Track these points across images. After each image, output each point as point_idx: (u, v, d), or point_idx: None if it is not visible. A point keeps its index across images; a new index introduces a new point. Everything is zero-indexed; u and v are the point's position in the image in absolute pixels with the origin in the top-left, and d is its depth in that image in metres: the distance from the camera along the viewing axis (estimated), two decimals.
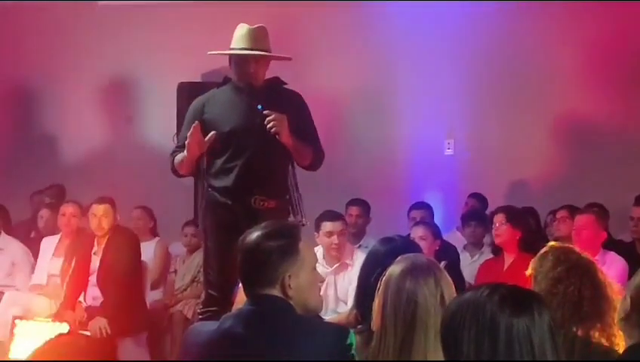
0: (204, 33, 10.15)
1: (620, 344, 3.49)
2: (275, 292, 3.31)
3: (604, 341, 3.55)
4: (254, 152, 5.60)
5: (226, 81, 5.82)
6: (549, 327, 2.33)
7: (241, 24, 5.78)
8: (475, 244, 8.08)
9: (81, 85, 11.04)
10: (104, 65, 10.85)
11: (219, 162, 5.65)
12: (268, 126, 5.49)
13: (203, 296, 5.84)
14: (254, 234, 3.42)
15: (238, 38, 5.70)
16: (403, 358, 2.92)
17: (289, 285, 3.30)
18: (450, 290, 3.01)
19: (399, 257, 3.22)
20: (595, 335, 3.60)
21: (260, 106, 5.57)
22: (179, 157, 5.70)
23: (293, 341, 3.21)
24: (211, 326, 3.61)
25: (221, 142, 5.58)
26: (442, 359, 2.88)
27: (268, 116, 5.49)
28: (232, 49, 5.73)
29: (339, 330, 3.45)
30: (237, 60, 5.71)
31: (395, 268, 3.08)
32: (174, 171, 5.84)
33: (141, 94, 10.83)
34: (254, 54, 5.66)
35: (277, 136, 5.51)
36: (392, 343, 2.95)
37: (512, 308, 2.34)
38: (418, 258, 3.22)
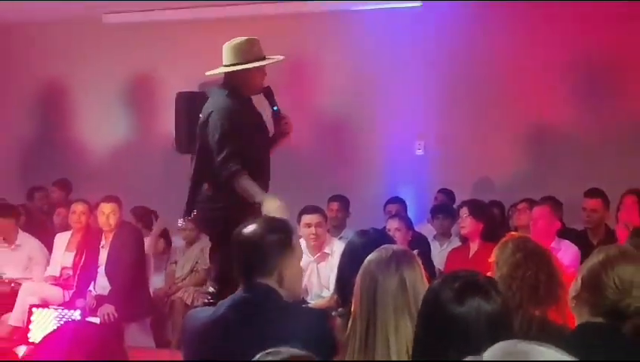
0: (200, 47, 10.18)
1: (573, 323, 3.51)
2: (271, 281, 3.32)
3: (537, 324, 3.55)
4: (265, 155, 5.53)
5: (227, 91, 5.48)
6: (492, 316, 2.35)
7: (236, 39, 5.48)
8: (444, 234, 8.10)
9: (90, 94, 11.07)
10: (112, 77, 10.87)
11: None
12: (284, 127, 5.50)
13: (211, 288, 5.54)
14: (255, 228, 3.42)
15: (249, 52, 5.41)
16: (370, 333, 2.93)
17: (285, 275, 3.32)
18: (413, 276, 3.00)
19: (378, 246, 3.23)
20: (551, 315, 3.61)
21: (275, 108, 5.52)
22: (249, 187, 5.23)
23: (282, 325, 3.20)
24: (207, 312, 3.60)
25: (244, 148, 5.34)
26: (402, 333, 2.92)
27: (282, 119, 5.52)
28: (250, 61, 5.38)
29: (321, 315, 3.47)
30: (255, 71, 5.43)
31: (368, 257, 3.10)
32: (232, 186, 5.28)
33: (143, 102, 10.84)
34: (277, 60, 5.57)
35: (286, 137, 5.54)
36: (360, 321, 2.97)
37: (458, 297, 2.36)
38: (391, 247, 3.23)
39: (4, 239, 7.82)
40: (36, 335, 6.46)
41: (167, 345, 7.40)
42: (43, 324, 6.44)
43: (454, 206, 8.21)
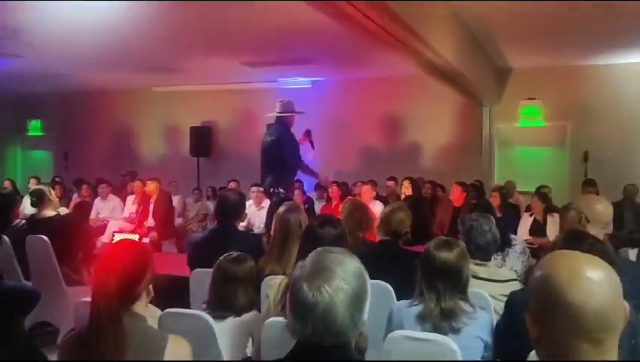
0: (203, 100, 9.97)
1: (376, 240, 3.57)
2: (236, 221, 3.30)
3: (360, 241, 3.46)
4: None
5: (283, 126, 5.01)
6: (336, 235, 2.33)
7: (284, 99, 5.11)
8: (321, 198, 8.09)
9: (144, 128, 10.73)
10: (156, 119, 10.56)
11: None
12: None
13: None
14: (228, 193, 3.39)
15: (293, 106, 5.09)
16: (283, 251, 2.84)
17: (239, 217, 3.32)
18: (304, 219, 2.92)
19: (284, 203, 3.21)
20: (367, 236, 3.65)
21: (311, 140, 5.38)
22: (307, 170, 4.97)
23: (236, 242, 3.15)
24: (199, 235, 3.55)
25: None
26: (300, 254, 2.83)
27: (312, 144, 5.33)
28: (297, 111, 5.12)
29: (258, 237, 3.45)
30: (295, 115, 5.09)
31: (282, 208, 3.08)
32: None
33: (172, 132, 10.58)
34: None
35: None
36: (277, 244, 2.91)
37: (319, 225, 2.37)
38: (293, 203, 3.22)
39: (101, 197, 7.58)
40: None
41: (183, 252, 7.26)
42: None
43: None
